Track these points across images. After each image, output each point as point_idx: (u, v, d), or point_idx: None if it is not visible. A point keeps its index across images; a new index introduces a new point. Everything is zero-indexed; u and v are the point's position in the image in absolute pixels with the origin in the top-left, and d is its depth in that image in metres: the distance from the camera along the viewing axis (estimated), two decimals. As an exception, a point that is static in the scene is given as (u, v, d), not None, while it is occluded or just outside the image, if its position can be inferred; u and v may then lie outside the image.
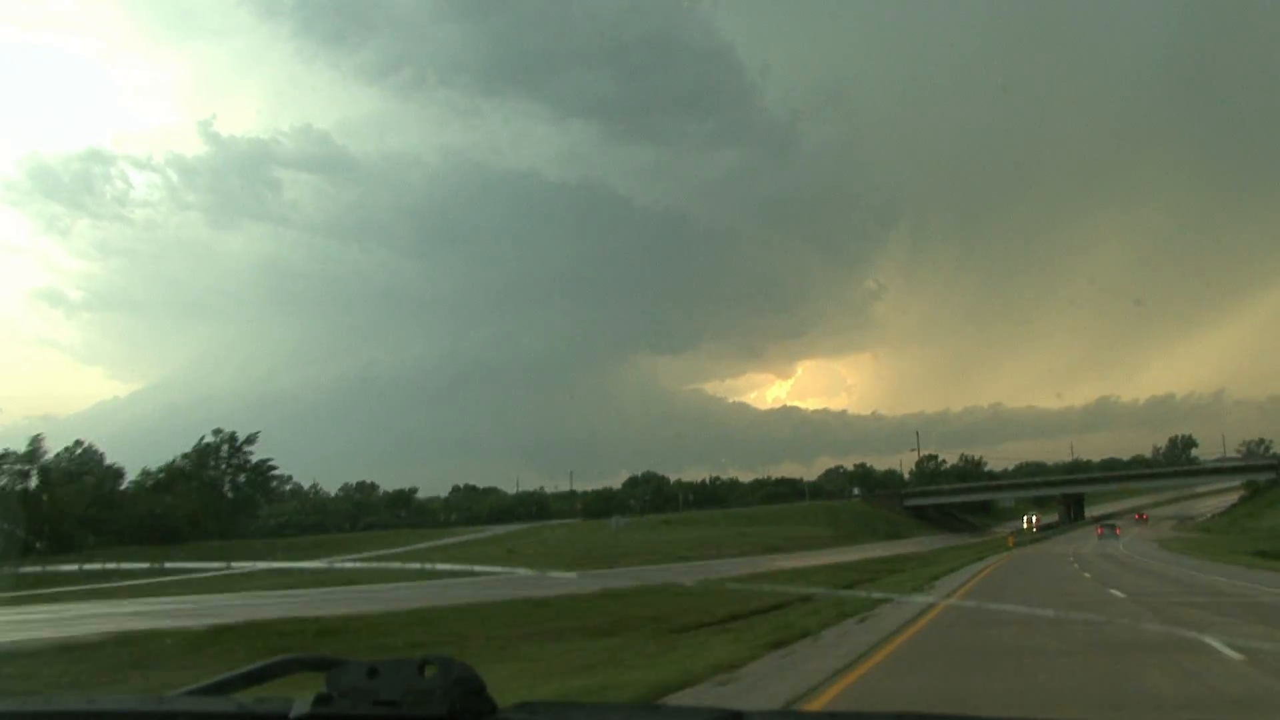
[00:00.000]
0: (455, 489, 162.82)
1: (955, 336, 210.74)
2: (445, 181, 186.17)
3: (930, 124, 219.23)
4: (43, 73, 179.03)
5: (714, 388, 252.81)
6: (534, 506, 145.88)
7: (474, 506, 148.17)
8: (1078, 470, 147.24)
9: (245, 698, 1.92)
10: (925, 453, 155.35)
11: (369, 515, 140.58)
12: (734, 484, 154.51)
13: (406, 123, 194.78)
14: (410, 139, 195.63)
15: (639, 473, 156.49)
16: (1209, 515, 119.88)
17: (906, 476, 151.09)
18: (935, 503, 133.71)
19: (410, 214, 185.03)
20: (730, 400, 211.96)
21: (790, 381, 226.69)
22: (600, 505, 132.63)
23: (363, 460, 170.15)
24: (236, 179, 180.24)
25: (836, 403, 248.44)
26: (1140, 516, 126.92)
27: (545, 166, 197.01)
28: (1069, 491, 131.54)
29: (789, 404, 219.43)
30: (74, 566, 34.11)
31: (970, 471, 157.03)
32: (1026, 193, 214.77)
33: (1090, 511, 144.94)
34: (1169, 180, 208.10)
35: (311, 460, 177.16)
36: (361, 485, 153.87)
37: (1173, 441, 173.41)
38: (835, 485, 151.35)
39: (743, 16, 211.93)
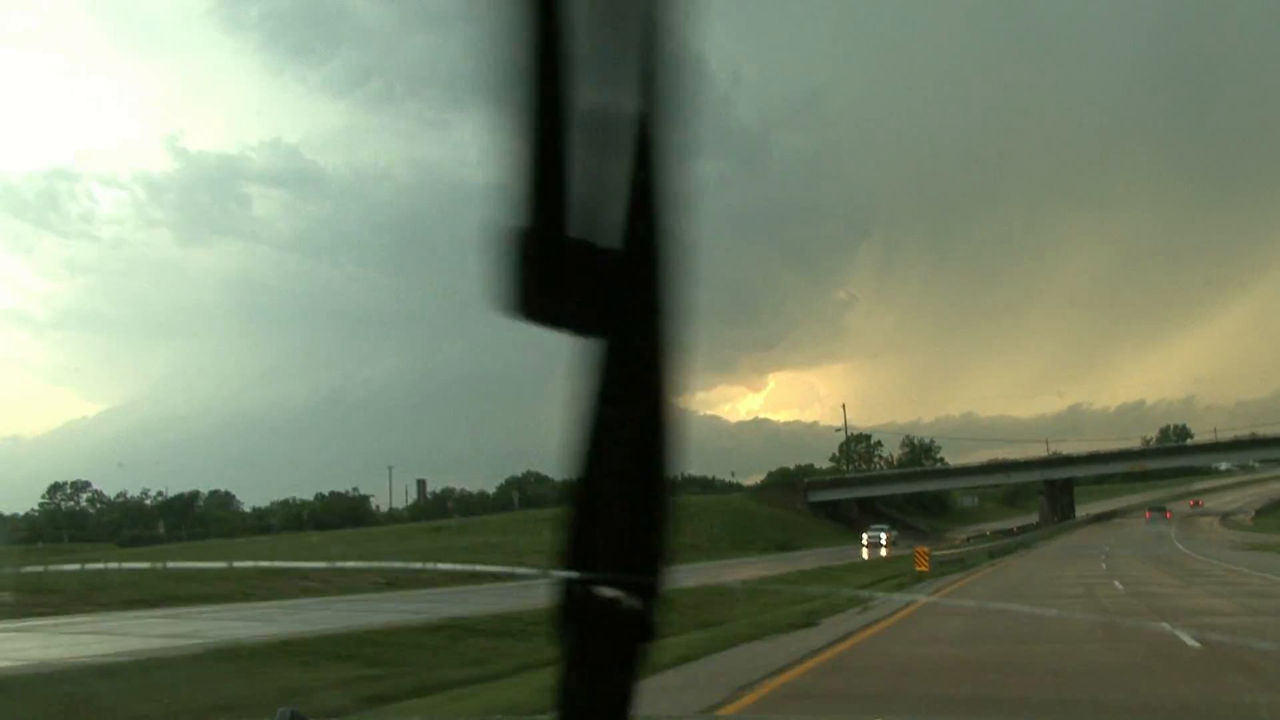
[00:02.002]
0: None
1: (927, 346, 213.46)
2: (416, 195, 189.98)
3: (903, 133, 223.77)
4: (3, 89, 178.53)
5: (684, 401, 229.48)
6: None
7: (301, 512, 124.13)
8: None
9: None
10: (858, 430, 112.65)
11: (135, 526, 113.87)
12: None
13: (376, 136, 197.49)
14: (380, 152, 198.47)
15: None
16: (1252, 507, 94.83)
17: (838, 465, 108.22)
18: (856, 497, 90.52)
19: (381, 228, 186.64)
20: (702, 413, 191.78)
21: (763, 394, 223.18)
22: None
23: (338, 475, 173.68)
24: (205, 195, 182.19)
25: (809, 414, 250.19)
26: (1166, 514, 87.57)
27: None
28: (1053, 477, 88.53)
29: (761, 416, 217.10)
30: (75, 566, 32.97)
31: (917, 458, 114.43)
32: (999, 202, 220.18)
33: (1081, 509, 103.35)
34: (1141, 188, 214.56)
35: (285, 476, 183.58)
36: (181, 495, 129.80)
37: (1164, 433, 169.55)
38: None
39: (715, 26, 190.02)
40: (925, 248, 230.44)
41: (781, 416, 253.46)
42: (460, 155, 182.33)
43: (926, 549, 31.78)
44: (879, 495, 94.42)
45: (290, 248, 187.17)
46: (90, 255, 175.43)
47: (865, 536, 65.20)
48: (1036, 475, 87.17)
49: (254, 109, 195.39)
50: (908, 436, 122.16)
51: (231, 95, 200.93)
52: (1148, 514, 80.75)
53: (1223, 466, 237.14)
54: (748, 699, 9.43)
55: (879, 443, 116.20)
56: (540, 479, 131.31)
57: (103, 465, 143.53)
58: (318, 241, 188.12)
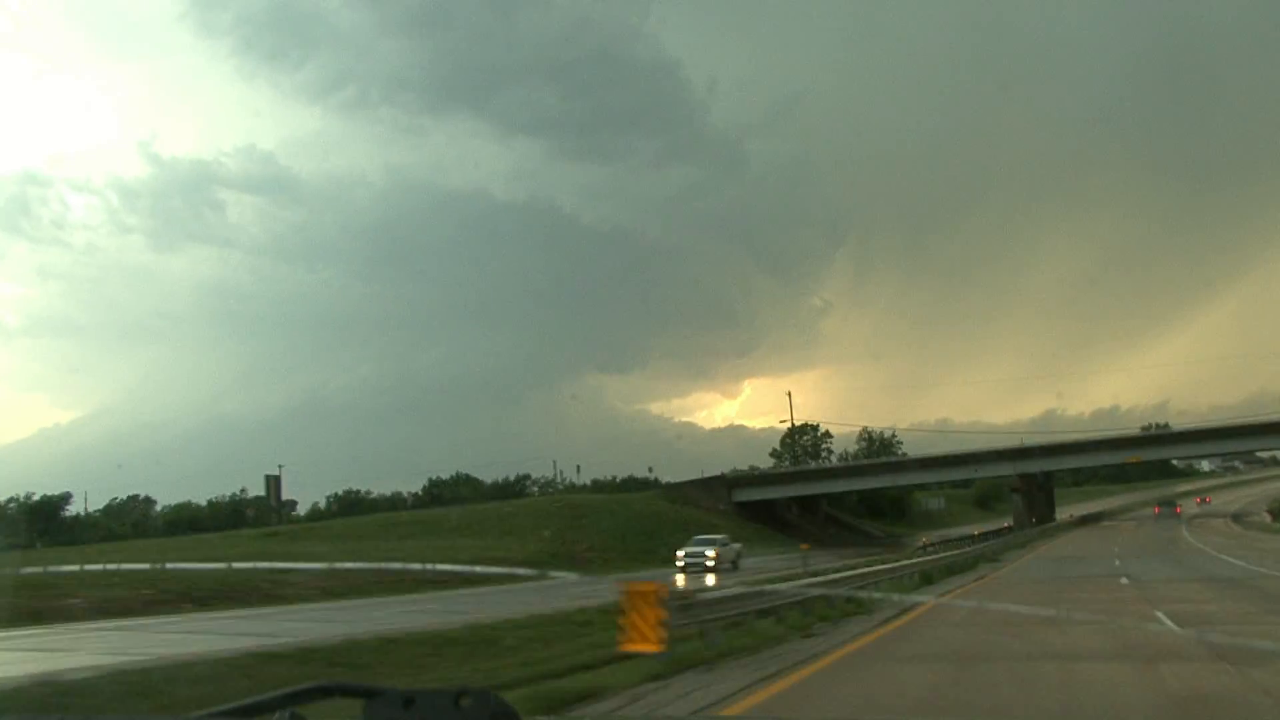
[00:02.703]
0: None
1: (902, 353, 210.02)
2: (391, 201, 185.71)
3: (879, 139, 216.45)
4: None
5: (660, 408, 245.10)
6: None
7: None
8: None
9: None
10: (804, 421, 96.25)
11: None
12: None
13: (351, 142, 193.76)
14: (355, 158, 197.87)
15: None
16: (1257, 506, 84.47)
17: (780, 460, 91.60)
18: (793, 496, 74.22)
19: (357, 234, 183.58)
20: (677, 420, 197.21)
21: (738, 401, 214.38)
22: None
23: (311, 482, 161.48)
24: (179, 201, 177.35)
25: (785, 421, 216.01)
26: (1176, 509, 79.94)
27: (492, 185, 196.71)
28: (1029, 470, 72.46)
29: (737, 422, 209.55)
30: (75, 567, 30.18)
31: (876, 451, 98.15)
32: (975, 209, 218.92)
33: (1061, 512, 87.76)
34: (1119, 193, 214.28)
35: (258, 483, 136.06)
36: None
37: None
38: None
39: (690, 32, 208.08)
40: (901, 254, 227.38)
41: (757, 423, 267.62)
42: (436, 161, 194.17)
43: (652, 589, 12.92)
44: (821, 494, 78.08)
45: (265, 253, 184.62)
46: (62, 261, 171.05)
47: (681, 554, 45.53)
48: (1008, 469, 71.22)
49: (228, 114, 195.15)
50: (865, 429, 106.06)
51: (205, 100, 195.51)
52: (1156, 509, 76.11)
53: (1204, 467, 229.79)
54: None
55: (827, 433, 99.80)
56: (467, 480, 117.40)
57: (75, 473, 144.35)
58: (292, 248, 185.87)
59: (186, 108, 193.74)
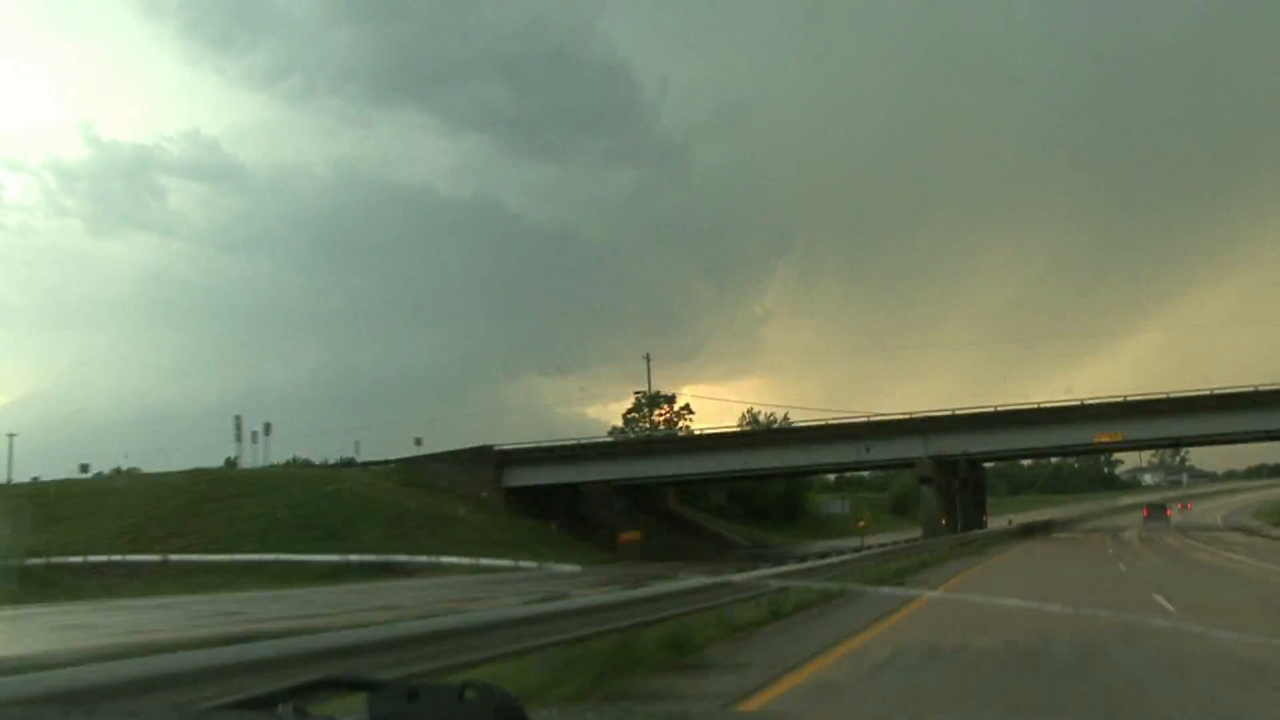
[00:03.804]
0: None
1: (844, 363, 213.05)
2: (336, 193, 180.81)
3: (826, 149, 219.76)
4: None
5: (597, 411, 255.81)
6: None
7: None
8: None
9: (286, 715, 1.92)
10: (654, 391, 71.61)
11: None
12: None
13: (297, 131, 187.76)
14: (301, 148, 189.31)
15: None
16: (1240, 514, 78.44)
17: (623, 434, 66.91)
18: (599, 480, 49.91)
19: (300, 226, 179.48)
20: (613, 425, 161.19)
21: (677, 406, 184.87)
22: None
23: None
24: (119, 185, 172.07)
25: (722, 427, 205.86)
26: (1167, 512, 68.70)
27: (438, 180, 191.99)
28: (947, 454, 48.21)
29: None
30: (79, 559, 29.81)
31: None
32: (920, 219, 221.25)
33: (996, 522, 65.28)
34: (1062, 207, 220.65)
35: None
36: None
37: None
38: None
39: (644, 32, 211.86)
40: (844, 264, 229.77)
41: (696, 427, 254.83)
42: (382, 154, 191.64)
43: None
44: (644, 478, 53.51)
45: (206, 242, 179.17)
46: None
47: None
48: (917, 448, 47.09)
49: (171, 98, 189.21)
50: (750, 409, 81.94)
51: (148, 83, 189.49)
52: (1145, 511, 70.54)
53: (1147, 480, 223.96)
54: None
55: (686, 407, 75.32)
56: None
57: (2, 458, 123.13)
58: (234, 237, 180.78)
59: (129, 90, 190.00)
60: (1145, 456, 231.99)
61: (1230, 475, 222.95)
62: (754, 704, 8.20)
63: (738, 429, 65.34)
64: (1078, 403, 46.97)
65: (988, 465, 78.61)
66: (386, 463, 51.36)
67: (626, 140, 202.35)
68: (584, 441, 51.15)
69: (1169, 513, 68.29)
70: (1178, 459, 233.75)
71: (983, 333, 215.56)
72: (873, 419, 49.87)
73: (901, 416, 49.19)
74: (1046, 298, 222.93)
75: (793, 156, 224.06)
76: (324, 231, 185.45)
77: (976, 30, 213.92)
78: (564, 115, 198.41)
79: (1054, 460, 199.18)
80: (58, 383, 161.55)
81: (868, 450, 47.86)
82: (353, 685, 1.96)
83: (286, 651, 5.71)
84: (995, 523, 67.70)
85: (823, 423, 51.05)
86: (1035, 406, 47.68)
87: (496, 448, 50.85)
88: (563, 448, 51.20)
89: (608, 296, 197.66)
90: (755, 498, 78.70)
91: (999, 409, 48.13)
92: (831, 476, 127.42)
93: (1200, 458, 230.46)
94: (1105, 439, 46.55)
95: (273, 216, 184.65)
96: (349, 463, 52.20)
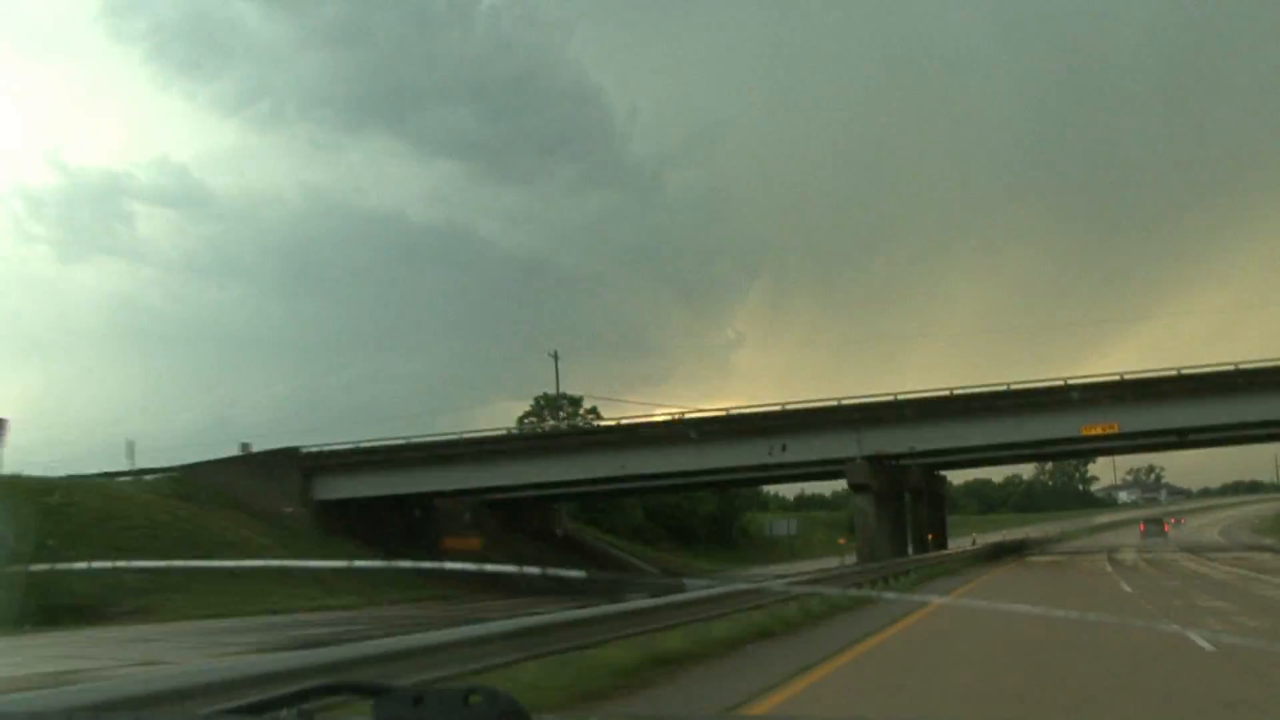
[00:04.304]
0: None
1: (815, 387, 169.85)
2: (307, 220, 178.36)
3: (797, 173, 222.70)
4: None
5: None
6: None
7: None
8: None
9: None
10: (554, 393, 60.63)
11: None
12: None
13: (267, 157, 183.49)
14: (271, 175, 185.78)
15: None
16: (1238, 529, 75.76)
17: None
18: (441, 490, 38.58)
19: (271, 252, 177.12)
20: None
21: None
22: None
23: None
24: (87, 211, 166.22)
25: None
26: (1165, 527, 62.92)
27: (409, 207, 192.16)
28: (889, 453, 37.39)
29: None
30: (83, 564, 28.26)
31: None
32: (888, 245, 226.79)
33: (959, 542, 55.30)
34: (1029, 231, 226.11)
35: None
36: None
37: (1058, 466, 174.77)
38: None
39: (614, 58, 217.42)
40: (815, 288, 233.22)
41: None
42: (353, 180, 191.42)
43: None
44: (496, 487, 41.80)
45: (175, 269, 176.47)
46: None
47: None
48: (850, 445, 35.77)
49: (141, 124, 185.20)
50: (679, 416, 71.05)
51: (117, 108, 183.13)
52: (1141, 527, 67.85)
53: (1123, 497, 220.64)
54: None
55: (594, 411, 64.40)
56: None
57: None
58: (205, 263, 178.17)
59: (97, 115, 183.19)
60: (1120, 474, 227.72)
61: (1206, 492, 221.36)
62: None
63: (568, 429, 54.23)
64: (1060, 383, 35.94)
65: (951, 477, 68.07)
66: (166, 470, 40.08)
67: (598, 165, 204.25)
68: (416, 440, 39.50)
69: (1166, 528, 64.14)
70: (1153, 476, 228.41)
71: (955, 353, 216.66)
72: (788, 408, 38.20)
73: (829, 404, 37.75)
74: (1016, 321, 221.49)
75: (765, 180, 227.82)
76: (295, 258, 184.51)
77: (948, 60, 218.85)
78: (535, 141, 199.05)
79: (1026, 477, 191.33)
80: (26, 411, 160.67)
81: (783, 449, 36.37)
82: (356, 690, 1.94)
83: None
84: (960, 543, 57.51)
85: (711, 415, 39.93)
86: (1004, 389, 36.65)
87: (304, 449, 39.27)
88: (388, 449, 39.33)
89: (578, 321, 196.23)
90: (679, 516, 67.73)
91: (954, 392, 36.69)
92: (791, 495, 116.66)
93: (1176, 475, 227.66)
94: (1096, 431, 35.52)
95: (243, 243, 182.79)
96: (113, 474, 40.65)
